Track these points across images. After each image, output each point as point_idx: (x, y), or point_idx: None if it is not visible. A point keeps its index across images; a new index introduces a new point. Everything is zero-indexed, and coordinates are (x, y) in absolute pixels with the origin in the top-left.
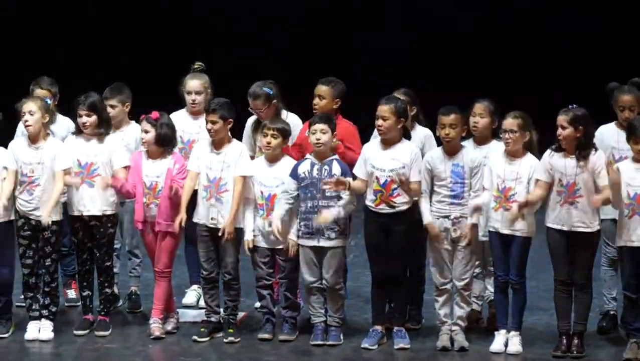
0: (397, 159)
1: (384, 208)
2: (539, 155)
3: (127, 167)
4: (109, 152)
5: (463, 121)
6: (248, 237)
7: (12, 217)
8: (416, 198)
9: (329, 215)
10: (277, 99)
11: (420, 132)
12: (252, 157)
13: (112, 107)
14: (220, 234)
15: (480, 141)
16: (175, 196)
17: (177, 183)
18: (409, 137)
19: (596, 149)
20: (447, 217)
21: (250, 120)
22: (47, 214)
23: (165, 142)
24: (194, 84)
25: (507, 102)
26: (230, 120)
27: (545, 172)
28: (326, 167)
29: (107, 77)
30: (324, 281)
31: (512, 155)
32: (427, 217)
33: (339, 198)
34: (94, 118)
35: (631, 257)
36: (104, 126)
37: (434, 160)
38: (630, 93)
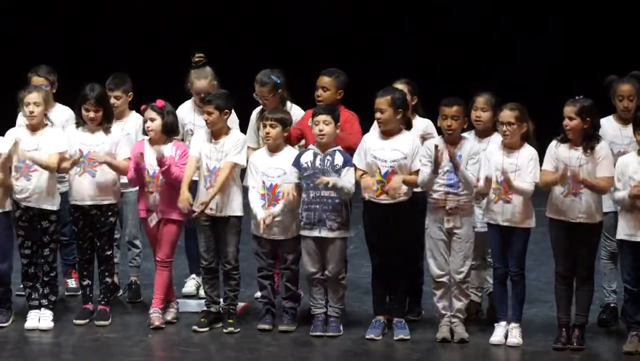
0: (398, 150)
1: (384, 199)
2: (536, 145)
3: (129, 159)
4: (112, 143)
5: (465, 112)
6: (261, 215)
7: (9, 208)
8: (417, 190)
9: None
10: (283, 88)
11: (421, 123)
12: (256, 150)
13: (117, 97)
14: (195, 208)
15: (482, 134)
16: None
17: (179, 168)
18: (410, 127)
19: (599, 140)
20: (442, 208)
21: (255, 112)
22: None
23: (170, 130)
24: (201, 85)
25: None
26: (227, 110)
27: (551, 162)
28: (329, 157)
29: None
30: (325, 272)
31: (509, 146)
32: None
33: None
34: (101, 112)
35: (631, 250)
36: (110, 118)
37: (433, 148)
38: (629, 83)
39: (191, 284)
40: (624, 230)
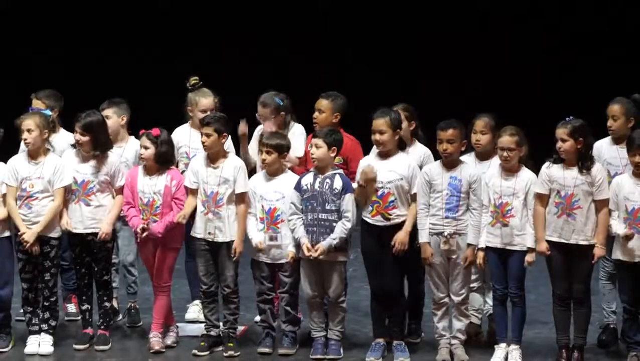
0: (394, 171)
1: (379, 221)
2: (531, 165)
3: (122, 188)
4: (107, 173)
5: (462, 135)
6: (258, 238)
7: (8, 233)
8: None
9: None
10: (286, 112)
11: (420, 150)
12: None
13: (107, 117)
14: (232, 254)
15: (482, 156)
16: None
17: (176, 206)
18: (404, 147)
19: (594, 161)
20: (440, 233)
21: (257, 132)
22: (32, 235)
23: (164, 160)
24: (208, 103)
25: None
26: (225, 134)
27: (544, 184)
28: (328, 180)
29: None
30: (325, 296)
31: (507, 170)
32: (424, 237)
33: (339, 211)
34: (87, 138)
35: (628, 271)
36: (100, 148)
37: (431, 172)
38: (618, 103)
39: (194, 310)
40: (620, 251)
